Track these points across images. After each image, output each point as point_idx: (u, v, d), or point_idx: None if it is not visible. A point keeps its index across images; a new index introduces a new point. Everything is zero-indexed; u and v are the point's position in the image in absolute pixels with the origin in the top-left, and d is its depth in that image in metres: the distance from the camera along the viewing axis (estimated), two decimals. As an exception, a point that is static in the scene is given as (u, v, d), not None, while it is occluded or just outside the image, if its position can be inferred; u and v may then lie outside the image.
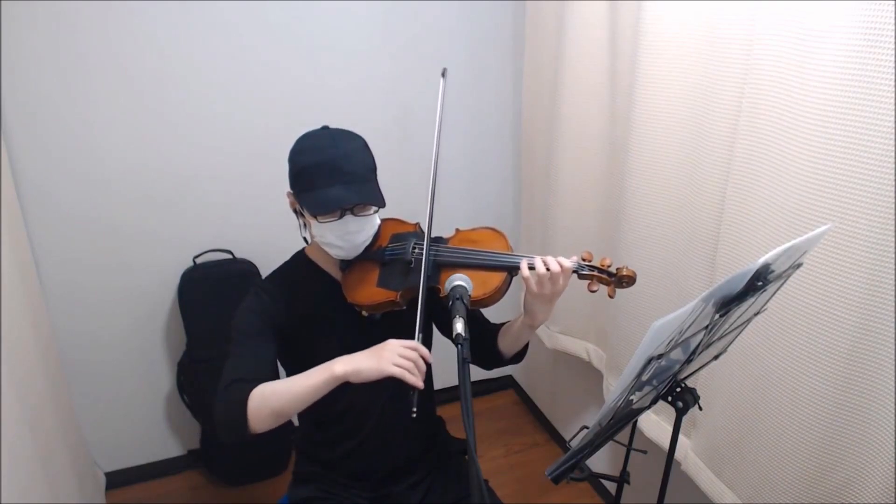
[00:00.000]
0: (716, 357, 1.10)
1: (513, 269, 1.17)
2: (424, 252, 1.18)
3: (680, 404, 1.05)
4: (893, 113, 0.96)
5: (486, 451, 2.45)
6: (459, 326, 1.00)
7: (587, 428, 0.96)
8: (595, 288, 1.16)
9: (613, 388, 0.88)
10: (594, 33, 1.71)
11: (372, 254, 1.25)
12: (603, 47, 1.70)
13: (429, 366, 1.42)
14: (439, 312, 1.34)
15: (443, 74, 1.30)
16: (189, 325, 2.09)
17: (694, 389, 1.07)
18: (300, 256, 1.34)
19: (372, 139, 1.24)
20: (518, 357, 1.33)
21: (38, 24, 1.76)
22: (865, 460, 1.12)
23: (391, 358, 1.04)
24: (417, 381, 1.03)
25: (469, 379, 0.93)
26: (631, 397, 0.92)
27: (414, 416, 1.01)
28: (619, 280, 1.13)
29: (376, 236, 1.26)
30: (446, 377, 1.41)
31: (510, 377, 2.87)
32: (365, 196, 1.16)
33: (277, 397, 1.08)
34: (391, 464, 1.36)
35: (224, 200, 2.11)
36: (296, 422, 1.44)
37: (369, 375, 1.05)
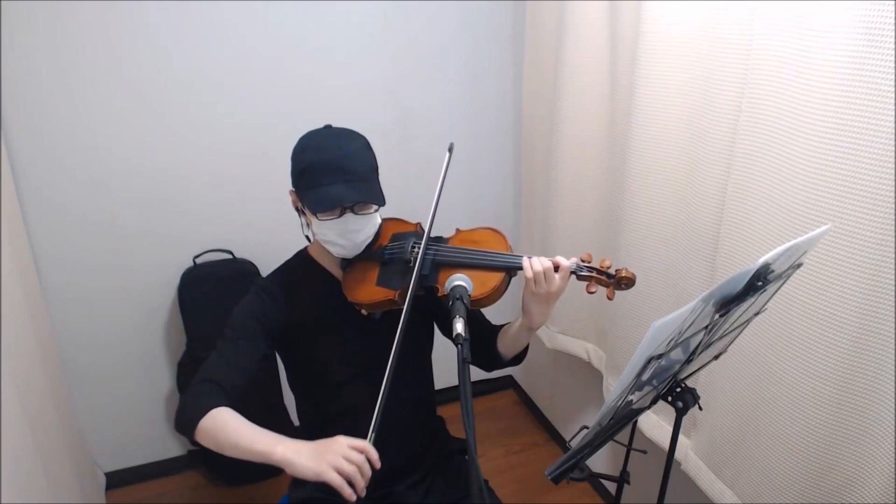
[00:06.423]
0: (716, 357, 1.10)
1: (511, 270, 1.17)
2: (420, 256, 1.17)
3: (680, 404, 1.05)
4: (893, 113, 0.96)
5: (486, 451, 2.45)
6: (459, 326, 1.00)
7: (587, 428, 0.96)
8: (594, 289, 1.15)
9: (613, 388, 0.88)
10: (594, 33, 1.71)
11: (372, 253, 1.25)
12: (603, 47, 1.70)
13: (429, 364, 1.42)
14: (440, 312, 1.34)
15: (449, 149, 1.26)
16: (189, 325, 2.09)
17: (694, 389, 1.07)
18: (302, 255, 1.35)
19: (372, 139, 1.24)
20: (518, 359, 1.33)
21: (38, 24, 1.76)
22: (865, 460, 1.12)
23: (334, 461, 0.98)
24: (352, 495, 0.97)
25: (469, 379, 0.93)
26: (631, 397, 0.92)
27: None
28: (618, 282, 1.13)
29: (377, 235, 1.27)
30: (446, 377, 1.41)
31: (510, 377, 2.87)
32: (366, 195, 1.17)
33: (223, 434, 1.08)
34: (391, 464, 1.35)
35: (224, 200, 2.11)
36: (296, 422, 1.45)
37: (303, 474, 0.99)
